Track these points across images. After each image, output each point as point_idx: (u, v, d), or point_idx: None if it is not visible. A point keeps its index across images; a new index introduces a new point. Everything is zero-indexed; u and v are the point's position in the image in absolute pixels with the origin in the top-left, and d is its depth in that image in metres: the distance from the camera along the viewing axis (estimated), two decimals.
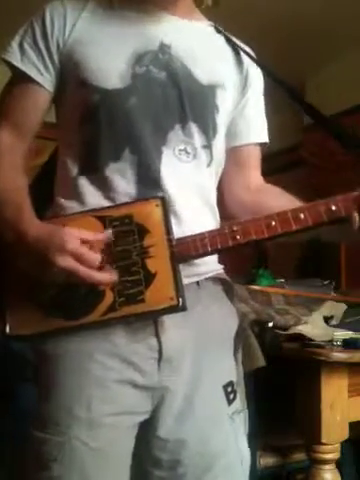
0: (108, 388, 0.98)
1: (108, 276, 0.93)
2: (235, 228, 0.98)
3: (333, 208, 0.97)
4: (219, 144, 1.11)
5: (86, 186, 1.03)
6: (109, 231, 0.96)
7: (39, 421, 1.00)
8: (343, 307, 1.77)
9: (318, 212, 0.98)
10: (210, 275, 1.09)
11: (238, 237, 0.98)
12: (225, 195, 1.19)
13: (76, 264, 0.90)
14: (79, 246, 0.92)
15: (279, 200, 1.09)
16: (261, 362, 1.38)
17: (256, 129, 1.20)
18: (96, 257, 0.92)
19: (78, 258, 0.91)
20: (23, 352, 1.64)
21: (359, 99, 3.28)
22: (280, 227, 0.98)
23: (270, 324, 1.57)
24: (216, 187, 1.15)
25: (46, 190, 1.10)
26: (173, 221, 0.99)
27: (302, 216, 0.97)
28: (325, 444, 1.45)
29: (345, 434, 1.48)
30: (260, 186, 1.20)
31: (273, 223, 0.98)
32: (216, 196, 1.15)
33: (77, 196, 1.03)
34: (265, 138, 1.21)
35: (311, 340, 1.50)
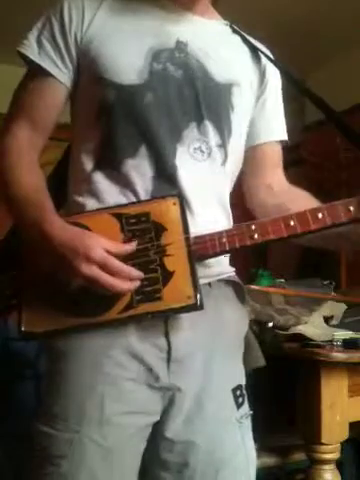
0: (121, 386, 0.98)
1: (129, 285, 0.93)
2: (253, 227, 0.98)
3: (351, 209, 0.97)
4: (235, 143, 1.10)
5: (102, 182, 1.02)
6: (134, 244, 0.96)
7: (48, 417, 0.99)
8: (343, 307, 1.77)
9: (337, 212, 0.97)
10: (222, 277, 1.09)
11: (256, 236, 0.97)
12: (248, 197, 1.19)
13: (100, 273, 0.91)
14: (104, 255, 0.91)
15: (301, 204, 1.06)
16: (261, 362, 1.38)
17: (276, 127, 1.20)
18: (120, 266, 0.92)
19: (103, 267, 0.91)
20: (23, 352, 1.64)
21: (359, 99, 3.28)
22: (299, 227, 0.97)
23: (270, 324, 1.57)
24: (239, 189, 1.15)
25: (59, 189, 1.09)
26: (188, 219, 0.98)
27: (321, 216, 0.97)
28: (325, 444, 1.45)
29: (345, 434, 1.48)
30: (284, 188, 1.19)
31: (292, 223, 0.97)
32: (243, 198, 1.15)
33: (93, 192, 1.02)
34: (284, 135, 1.21)
35: (311, 340, 1.50)
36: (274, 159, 1.21)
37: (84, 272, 0.90)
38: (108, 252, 0.92)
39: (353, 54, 3.41)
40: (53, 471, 0.97)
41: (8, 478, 1.68)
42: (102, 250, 0.92)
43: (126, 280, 0.92)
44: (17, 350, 1.69)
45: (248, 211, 1.19)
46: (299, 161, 3.72)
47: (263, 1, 2.86)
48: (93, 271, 0.90)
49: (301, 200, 1.11)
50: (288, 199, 1.14)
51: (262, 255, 3.53)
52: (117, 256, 0.93)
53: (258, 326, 1.56)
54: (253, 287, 1.81)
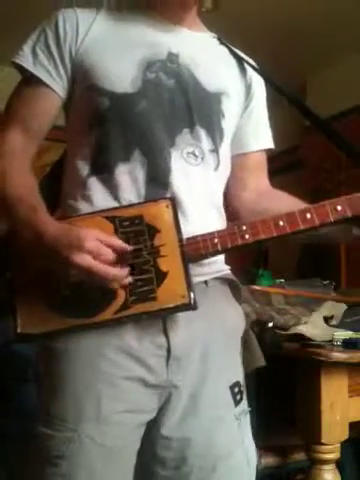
0: (117, 385, 0.99)
1: (124, 272, 0.94)
2: (244, 227, 1.00)
3: (339, 208, 1.00)
4: (226, 149, 1.14)
5: (96, 187, 1.04)
6: (128, 246, 0.96)
7: (47, 417, 1.01)
8: (343, 307, 1.77)
9: (325, 212, 1.00)
10: (218, 275, 1.11)
11: (247, 236, 1.00)
12: (232, 200, 1.22)
13: (94, 262, 0.91)
14: (97, 244, 0.92)
15: (285, 204, 1.11)
16: (261, 362, 1.38)
17: (262, 136, 1.24)
18: (113, 255, 0.93)
19: (96, 256, 0.91)
20: (24, 352, 1.65)
21: (359, 100, 3.29)
22: (288, 226, 1.00)
23: (270, 324, 1.57)
24: (223, 191, 1.17)
25: (53, 192, 1.11)
26: (181, 221, 1.00)
27: (309, 216, 1.00)
28: (325, 444, 1.45)
29: (345, 434, 1.48)
30: (267, 191, 1.24)
31: (281, 223, 1.00)
32: (223, 201, 1.17)
33: (87, 197, 1.04)
34: (270, 144, 1.25)
35: (311, 340, 1.50)
36: (260, 166, 1.26)
37: (77, 262, 0.91)
38: (102, 242, 0.93)
39: (354, 56, 3.42)
40: (53, 472, 0.98)
41: (5, 478, 1.69)
42: (95, 240, 0.92)
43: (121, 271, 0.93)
44: (18, 350, 1.69)
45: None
46: (299, 163, 3.73)
47: (264, 3, 2.86)
48: (86, 260, 0.91)
49: (284, 201, 1.16)
50: (271, 200, 1.19)
51: (262, 255, 3.54)
52: (112, 248, 0.94)
53: (258, 326, 1.56)
54: (253, 287, 1.81)
